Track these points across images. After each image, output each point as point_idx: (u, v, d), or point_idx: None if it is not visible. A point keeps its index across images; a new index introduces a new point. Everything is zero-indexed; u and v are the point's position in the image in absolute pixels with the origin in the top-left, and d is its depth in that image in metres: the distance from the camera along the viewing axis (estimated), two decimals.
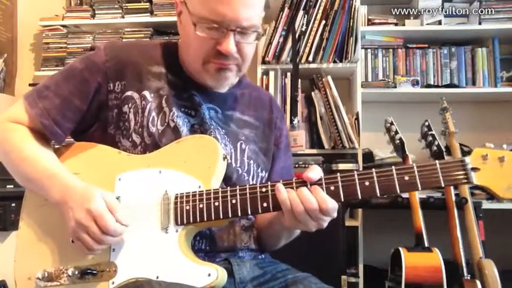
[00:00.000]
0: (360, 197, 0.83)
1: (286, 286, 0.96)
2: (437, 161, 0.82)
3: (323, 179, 0.85)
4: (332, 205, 0.83)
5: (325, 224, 0.87)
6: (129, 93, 1.00)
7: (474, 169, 0.81)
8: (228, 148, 1.02)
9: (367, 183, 0.83)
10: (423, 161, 0.84)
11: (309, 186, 0.85)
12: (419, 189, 0.82)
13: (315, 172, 0.86)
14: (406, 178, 0.82)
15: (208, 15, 0.91)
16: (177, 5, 1.00)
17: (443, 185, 0.82)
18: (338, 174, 0.85)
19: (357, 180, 0.84)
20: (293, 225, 0.87)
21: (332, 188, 0.84)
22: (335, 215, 0.86)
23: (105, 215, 0.85)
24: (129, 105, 0.99)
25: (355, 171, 0.85)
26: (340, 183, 0.84)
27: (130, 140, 0.98)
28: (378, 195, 0.83)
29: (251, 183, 1.04)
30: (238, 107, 1.09)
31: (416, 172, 0.82)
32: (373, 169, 0.84)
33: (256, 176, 1.06)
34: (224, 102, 1.07)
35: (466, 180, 0.81)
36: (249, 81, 1.17)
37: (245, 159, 1.05)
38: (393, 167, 0.83)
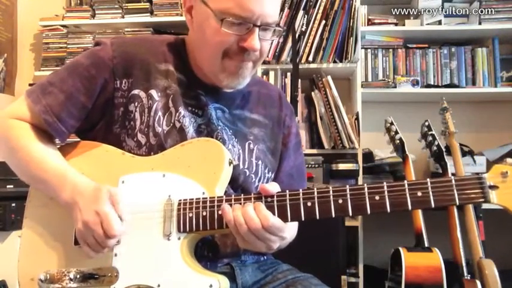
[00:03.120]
0: (368, 213, 0.79)
1: (287, 287, 0.95)
2: (452, 177, 0.77)
3: (331, 191, 0.81)
4: (273, 221, 0.80)
5: (274, 246, 0.84)
6: (135, 91, 0.98)
7: (492, 187, 0.75)
8: (236, 149, 1.00)
9: (377, 198, 0.79)
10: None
11: (263, 201, 0.82)
12: (433, 206, 0.77)
13: (273, 186, 0.84)
14: (419, 194, 0.77)
15: (236, 11, 0.88)
16: (186, 1, 0.97)
17: (458, 203, 0.76)
18: (347, 186, 0.81)
19: (366, 195, 0.79)
20: (243, 245, 0.84)
21: (340, 201, 0.80)
22: (283, 235, 0.83)
23: (112, 218, 0.83)
24: (135, 104, 0.97)
25: (366, 185, 0.80)
26: (348, 196, 0.80)
27: (135, 139, 0.96)
28: (388, 211, 0.78)
29: (257, 185, 1.02)
30: (246, 106, 1.07)
31: (430, 188, 0.77)
32: (385, 183, 0.79)
33: (263, 177, 1.04)
34: (232, 102, 1.04)
35: (483, 199, 0.75)
36: (257, 78, 1.13)
37: (253, 160, 1.03)
38: (405, 181, 0.79)
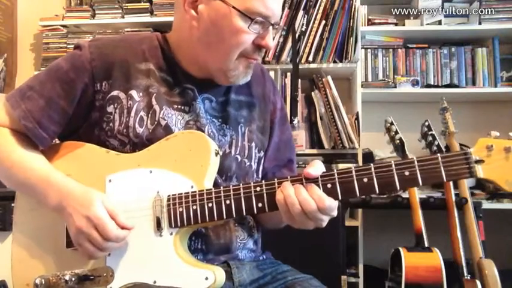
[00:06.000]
0: (358, 195, 0.80)
1: None
2: (439, 155, 0.77)
3: (319, 177, 0.81)
4: (329, 203, 0.80)
5: (324, 224, 0.83)
6: (115, 92, 0.96)
7: (478, 161, 0.76)
8: (227, 137, 1.00)
9: (365, 180, 0.79)
10: None
11: (304, 183, 0.82)
12: (420, 185, 0.78)
13: (317, 168, 0.82)
14: (406, 173, 0.78)
15: (262, 10, 0.89)
16: None
17: (445, 180, 0.77)
18: (335, 170, 0.81)
19: (354, 177, 0.80)
20: (291, 223, 0.84)
21: (329, 185, 0.81)
22: (334, 213, 0.82)
23: (106, 222, 0.83)
24: (115, 106, 0.95)
25: (353, 168, 0.81)
26: (337, 180, 0.81)
27: (117, 139, 0.95)
28: (377, 192, 0.80)
29: (253, 167, 1.03)
30: (232, 89, 1.05)
31: (416, 167, 0.77)
32: (372, 164, 0.80)
33: (255, 157, 1.04)
34: (219, 89, 1.03)
35: (469, 175, 0.76)
36: None
37: (245, 144, 1.02)
38: (392, 161, 0.79)
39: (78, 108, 0.96)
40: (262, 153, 1.07)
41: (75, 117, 0.97)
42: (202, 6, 0.92)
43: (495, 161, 0.77)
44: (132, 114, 0.95)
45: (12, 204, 2.17)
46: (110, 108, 0.95)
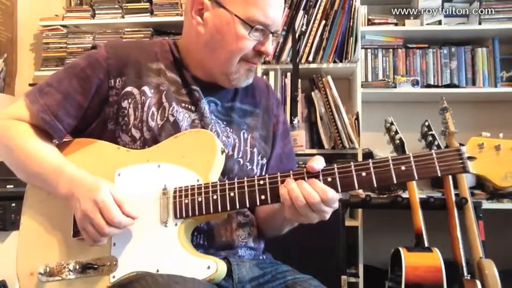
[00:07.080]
0: (356, 188, 0.84)
1: (286, 287, 0.95)
2: (433, 151, 0.82)
3: (320, 171, 0.86)
4: (332, 195, 0.83)
5: (327, 216, 0.87)
6: (128, 88, 1.01)
7: (470, 158, 0.81)
8: (231, 139, 1.04)
9: (364, 174, 0.84)
10: None
11: (306, 178, 0.85)
12: (416, 178, 0.83)
13: (319, 163, 0.86)
14: (403, 168, 0.82)
15: (262, 19, 0.96)
16: (195, 2, 1.00)
17: (439, 174, 0.81)
18: (335, 165, 0.86)
19: (353, 171, 0.84)
20: (295, 218, 0.87)
21: (329, 179, 0.85)
22: (336, 205, 0.86)
23: (111, 206, 0.86)
24: (129, 101, 1.00)
25: (352, 162, 0.85)
26: (337, 174, 0.85)
27: (129, 134, 0.99)
28: (375, 185, 0.84)
29: (255, 171, 1.06)
30: (237, 97, 1.11)
31: (412, 162, 0.82)
32: (370, 160, 0.85)
33: (257, 163, 1.08)
34: (224, 95, 1.08)
35: (462, 170, 0.81)
36: None
37: (248, 149, 1.06)
38: (389, 156, 0.83)
39: (92, 103, 1.01)
40: (264, 161, 1.11)
41: (90, 112, 1.02)
42: (208, 13, 1.00)
43: (486, 158, 0.82)
44: (146, 109, 1.00)
45: (13, 204, 2.17)
46: (125, 104, 1.00)
